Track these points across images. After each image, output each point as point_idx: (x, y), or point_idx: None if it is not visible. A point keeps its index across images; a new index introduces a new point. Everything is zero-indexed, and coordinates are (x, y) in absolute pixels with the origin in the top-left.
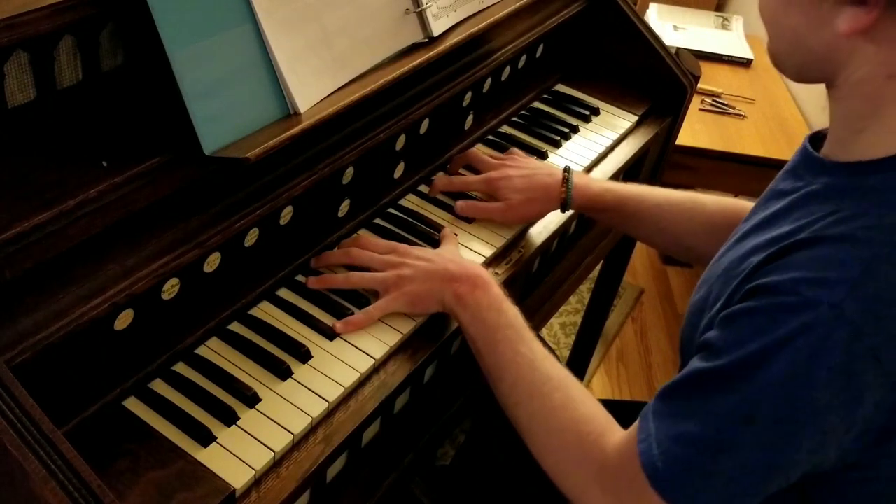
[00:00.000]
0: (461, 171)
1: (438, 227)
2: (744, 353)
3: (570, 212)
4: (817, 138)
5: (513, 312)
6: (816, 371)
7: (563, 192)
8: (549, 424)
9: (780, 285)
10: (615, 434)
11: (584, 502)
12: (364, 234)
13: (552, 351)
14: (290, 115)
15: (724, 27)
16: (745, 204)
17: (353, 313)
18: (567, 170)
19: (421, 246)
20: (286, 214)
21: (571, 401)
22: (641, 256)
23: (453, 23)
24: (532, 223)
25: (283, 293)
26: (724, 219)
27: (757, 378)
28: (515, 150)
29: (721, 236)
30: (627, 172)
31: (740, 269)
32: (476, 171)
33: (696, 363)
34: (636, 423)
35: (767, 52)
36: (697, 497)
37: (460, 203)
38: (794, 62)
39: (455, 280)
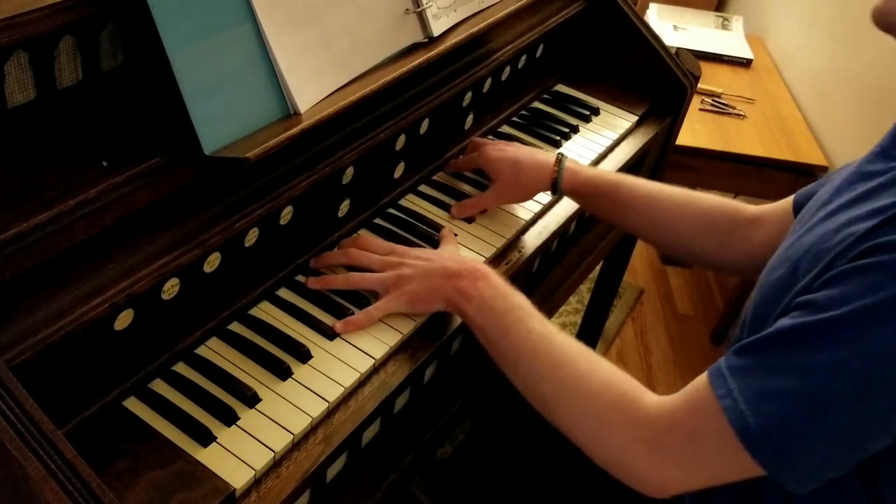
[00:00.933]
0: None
1: (438, 227)
2: (854, 308)
3: (568, 207)
4: None
5: (518, 296)
6: None
7: (555, 172)
8: (579, 390)
9: None
10: (650, 396)
11: (626, 464)
12: (364, 234)
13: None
14: (290, 115)
15: (724, 27)
16: (743, 205)
17: (353, 313)
18: (561, 154)
19: (421, 246)
20: (286, 214)
21: (598, 366)
22: (641, 257)
23: (453, 23)
24: (531, 223)
25: (283, 293)
26: (722, 214)
27: (867, 331)
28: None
29: (718, 232)
30: (627, 172)
31: (835, 240)
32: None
33: (785, 322)
34: (695, 381)
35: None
36: (789, 456)
37: (453, 209)
38: None
39: (455, 276)
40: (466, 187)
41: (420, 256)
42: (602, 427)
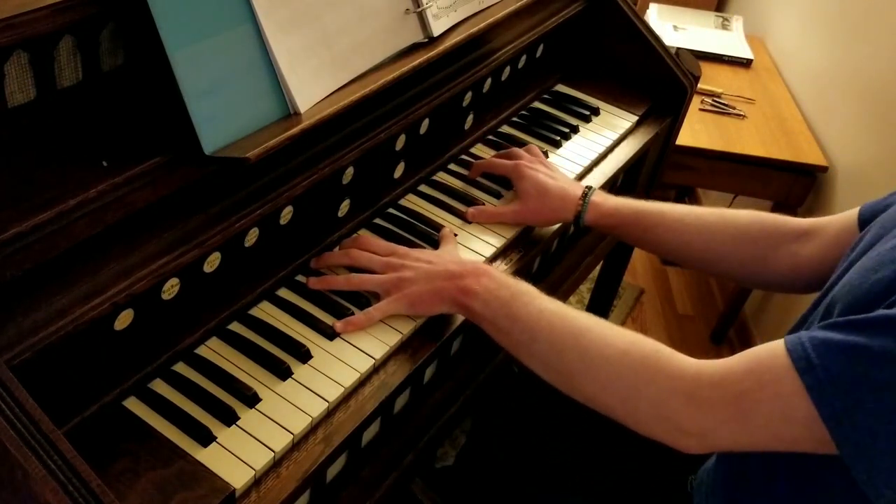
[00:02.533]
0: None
1: (438, 227)
2: None
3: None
4: None
5: (523, 283)
6: None
7: (579, 206)
8: (606, 354)
9: None
10: (685, 357)
11: (664, 416)
12: (364, 234)
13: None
14: (290, 115)
15: (724, 27)
16: (787, 219)
17: (353, 314)
18: (589, 188)
19: (421, 246)
20: (286, 214)
21: (619, 330)
22: (641, 257)
23: (453, 23)
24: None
25: (284, 293)
26: (761, 231)
27: None
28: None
29: (759, 248)
30: (627, 172)
31: None
32: (492, 178)
33: (887, 311)
34: (751, 350)
35: None
36: (875, 446)
37: (471, 210)
38: None
39: (458, 276)
40: (474, 191)
41: (421, 258)
42: (635, 385)
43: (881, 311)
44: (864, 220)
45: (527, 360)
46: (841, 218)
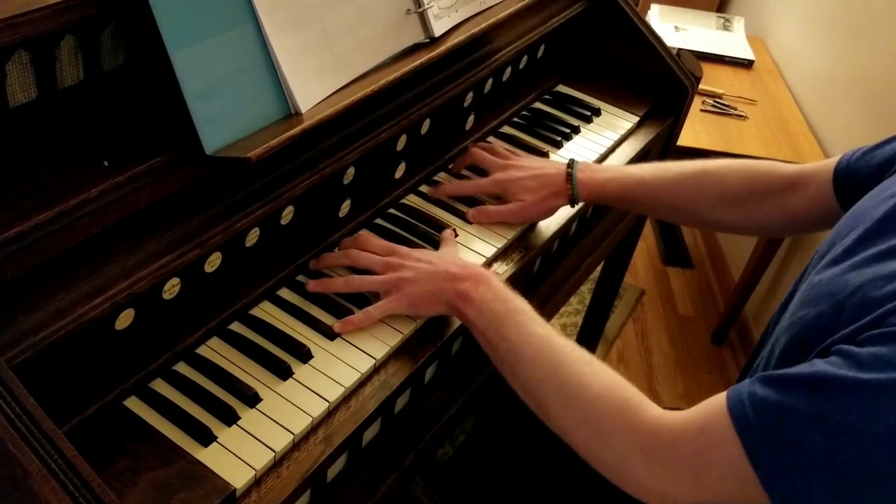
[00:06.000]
0: (464, 171)
1: (439, 227)
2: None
3: (578, 206)
4: None
5: (520, 300)
6: None
7: (569, 189)
8: (579, 394)
9: None
10: (655, 406)
11: (624, 470)
12: (364, 233)
13: None
14: (292, 115)
15: (725, 28)
16: (768, 167)
17: (353, 313)
18: (571, 164)
19: (422, 246)
20: (287, 214)
21: (599, 368)
22: (642, 257)
23: (454, 23)
24: (533, 224)
25: (284, 293)
26: (747, 188)
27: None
28: (515, 149)
29: (747, 204)
30: None
31: (884, 292)
32: (480, 172)
33: (823, 366)
34: (710, 402)
35: None
36: (788, 475)
37: (471, 211)
38: None
39: (457, 279)
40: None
41: (421, 259)
42: (601, 432)
43: (814, 369)
44: (840, 181)
45: (508, 378)
46: (823, 172)
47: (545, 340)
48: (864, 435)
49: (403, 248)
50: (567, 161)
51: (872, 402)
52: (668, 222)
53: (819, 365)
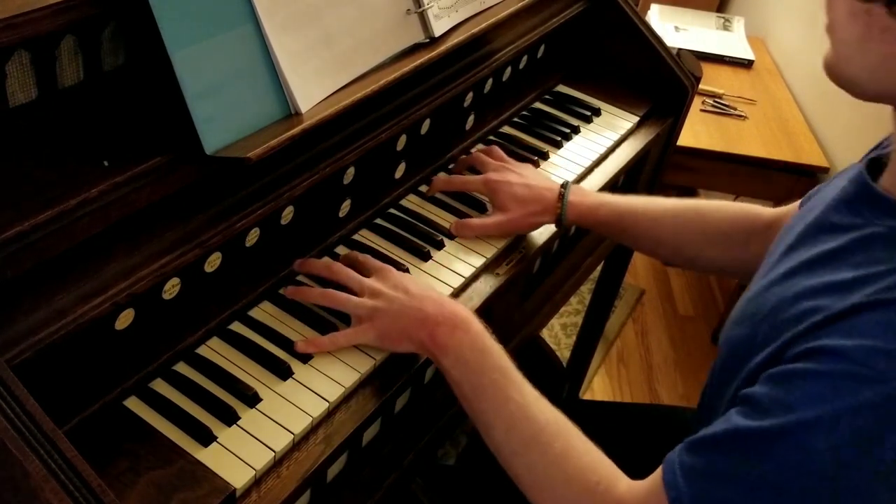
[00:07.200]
0: (464, 172)
1: (439, 227)
2: (795, 419)
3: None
4: (876, 165)
5: (497, 351)
6: (878, 453)
7: (559, 208)
8: (552, 475)
9: (848, 352)
10: (624, 483)
11: None
12: (351, 254)
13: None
14: (292, 115)
15: (725, 28)
16: (751, 208)
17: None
18: (564, 185)
19: (421, 247)
20: (287, 214)
21: (573, 449)
22: (642, 257)
23: (454, 23)
24: None
25: (285, 293)
26: (731, 226)
27: (808, 446)
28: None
29: (731, 244)
30: (628, 173)
31: (791, 313)
32: (476, 173)
33: (735, 418)
34: (658, 471)
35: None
36: None
37: (454, 225)
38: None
39: (432, 322)
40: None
41: (399, 286)
42: None
43: (726, 426)
44: None
45: (483, 436)
46: (793, 210)
47: (521, 409)
48: (780, 480)
49: (388, 271)
50: (562, 182)
51: (782, 448)
52: (649, 256)
53: (731, 418)
